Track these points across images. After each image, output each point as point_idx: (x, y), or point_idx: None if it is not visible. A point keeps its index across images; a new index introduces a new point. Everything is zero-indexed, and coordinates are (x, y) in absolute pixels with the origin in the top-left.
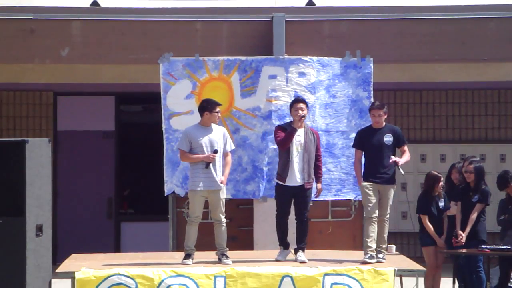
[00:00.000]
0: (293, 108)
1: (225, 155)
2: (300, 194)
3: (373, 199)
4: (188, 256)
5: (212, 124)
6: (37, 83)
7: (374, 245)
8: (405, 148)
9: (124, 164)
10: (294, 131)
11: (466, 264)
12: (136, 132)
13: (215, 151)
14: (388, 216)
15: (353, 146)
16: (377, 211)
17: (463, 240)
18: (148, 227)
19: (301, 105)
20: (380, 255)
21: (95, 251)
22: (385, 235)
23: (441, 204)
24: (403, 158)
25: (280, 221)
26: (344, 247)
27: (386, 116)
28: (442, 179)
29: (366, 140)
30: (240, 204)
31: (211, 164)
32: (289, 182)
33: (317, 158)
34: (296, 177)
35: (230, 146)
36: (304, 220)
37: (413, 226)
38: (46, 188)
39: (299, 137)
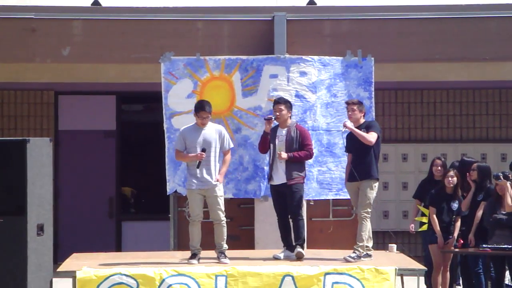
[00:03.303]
0: (273, 109)
1: (224, 153)
2: (286, 191)
3: (353, 200)
4: (194, 255)
5: (209, 123)
6: (38, 83)
7: (369, 244)
8: (371, 133)
9: (125, 164)
10: (265, 135)
11: (472, 263)
12: (137, 131)
13: (203, 150)
14: (365, 213)
15: (345, 150)
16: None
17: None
18: (149, 226)
19: (279, 106)
20: (352, 255)
21: (96, 250)
22: (363, 233)
23: (454, 205)
24: (357, 129)
25: (279, 220)
26: (345, 246)
27: (362, 115)
28: (439, 162)
29: (348, 142)
30: (241, 203)
31: (203, 163)
32: (275, 182)
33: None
34: (280, 176)
35: (229, 144)
36: (297, 217)
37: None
38: (47, 188)
39: (281, 137)
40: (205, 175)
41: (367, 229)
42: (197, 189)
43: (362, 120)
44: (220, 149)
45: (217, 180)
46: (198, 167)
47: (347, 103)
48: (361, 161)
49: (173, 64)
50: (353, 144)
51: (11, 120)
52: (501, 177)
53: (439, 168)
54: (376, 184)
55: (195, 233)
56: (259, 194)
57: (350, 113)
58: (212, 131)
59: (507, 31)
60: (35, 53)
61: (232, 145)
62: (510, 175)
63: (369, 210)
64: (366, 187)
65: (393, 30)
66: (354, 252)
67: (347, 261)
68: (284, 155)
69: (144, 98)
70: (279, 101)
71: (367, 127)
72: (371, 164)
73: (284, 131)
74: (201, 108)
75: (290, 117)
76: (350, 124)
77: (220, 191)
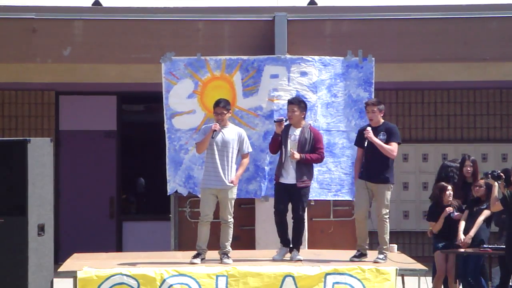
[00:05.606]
0: (287, 109)
1: (242, 156)
2: (294, 192)
3: (361, 197)
4: (198, 255)
5: (230, 124)
6: (39, 83)
7: (363, 244)
8: (393, 145)
9: (126, 164)
10: (276, 136)
11: (472, 266)
12: (138, 131)
13: (215, 131)
14: (385, 215)
15: (355, 144)
16: (362, 210)
17: (464, 242)
18: (150, 226)
19: (292, 107)
20: (380, 256)
21: (97, 251)
22: (385, 236)
23: (453, 215)
24: (380, 141)
25: (277, 218)
26: (345, 247)
27: (382, 115)
28: (449, 188)
29: (363, 138)
30: (242, 203)
31: (219, 164)
32: (283, 180)
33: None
34: (290, 176)
35: (248, 148)
36: (299, 219)
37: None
38: (48, 188)
39: (294, 136)
40: (220, 176)
41: (388, 230)
42: (211, 188)
43: (381, 120)
44: (238, 152)
45: (232, 182)
46: (213, 137)
47: (366, 104)
48: (382, 164)
49: (173, 64)
50: (378, 150)
51: (12, 120)
52: (489, 176)
53: (469, 169)
54: (392, 185)
55: (203, 233)
56: (260, 194)
57: (370, 114)
58: (232, 132)
59: (508, 31)
60: (36, 53)
61: (251, 149)
62: (500, 174)
63: (388, 211)
64: (385, 189)
65: (394, 30)
66: (381, 254)
67: (377, 262)
68: (297, 155)
69: (145, 98)
70: (292, 102)
71: (387, 133)
72: (391, 169)
73: (297, 131)
74: (216, 104)
75: (304, 117)
76: (371, 135)
77: (232, 193)
